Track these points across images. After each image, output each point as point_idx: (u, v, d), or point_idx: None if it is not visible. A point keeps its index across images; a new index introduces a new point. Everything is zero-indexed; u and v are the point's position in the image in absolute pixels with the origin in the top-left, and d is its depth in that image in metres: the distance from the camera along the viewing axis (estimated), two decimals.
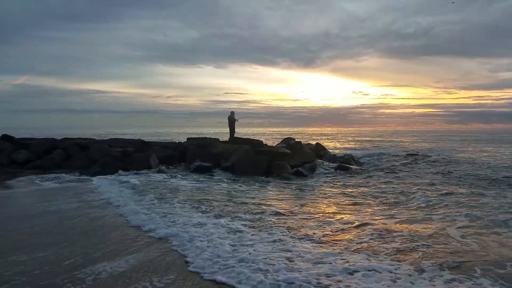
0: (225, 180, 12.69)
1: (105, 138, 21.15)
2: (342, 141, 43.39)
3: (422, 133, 76.36)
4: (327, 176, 14.00)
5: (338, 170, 15.19)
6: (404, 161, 19.29)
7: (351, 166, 16.25)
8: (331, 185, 12.09)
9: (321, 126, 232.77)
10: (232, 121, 19.24)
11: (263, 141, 21.16)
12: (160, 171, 14.21)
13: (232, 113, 19.41)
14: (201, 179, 12.75)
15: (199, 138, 19.32)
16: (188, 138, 19.10)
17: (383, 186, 11.79)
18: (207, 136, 21.24)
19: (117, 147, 16.60)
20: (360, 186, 11.74)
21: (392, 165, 17.55)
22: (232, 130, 19.23)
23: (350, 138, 51.87)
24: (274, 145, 19.27)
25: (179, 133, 63.29)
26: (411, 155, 22.03)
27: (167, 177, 13.04)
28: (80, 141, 18.16)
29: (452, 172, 14.99)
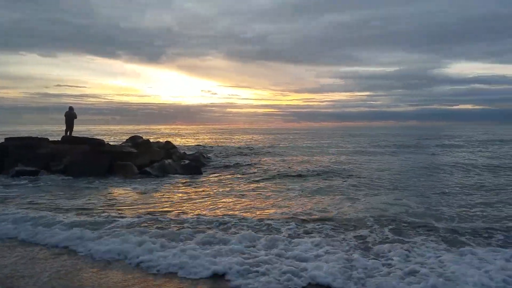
0: (51, 185, 11.01)
1: None
2: (194, 139, 43.71)
3: (265, 131, 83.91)
4: (175, 176, 13.70)
5: (187, 168, 15.04)
6: (246, 157, 20.60)
7: (200, 164, 16.33)
8: (177, 185, 11.85)
9: (172, 124, 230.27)
10: (70, 117, 16.90)
11: (106, 140, 19.34)
12: None
13: (71, 108, 17.05)
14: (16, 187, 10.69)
15: (22, 138, 16.13)
16: (6, 138, 15.73)
17: (228, 182, 12.21)
18: (35, 135, 17.97)
19: None
20: (206, 184, 11.89)
21: (237, 163, 18.45)
22: (70, 128, 16.91)
23: (202, 136, 52.74)
24: (119, 144, 17.77)
25: None
26: (254, 153, 23.73)
27: None
28: None
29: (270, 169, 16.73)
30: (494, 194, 10.06)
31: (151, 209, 8.05)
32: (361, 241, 5.98)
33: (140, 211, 7.89)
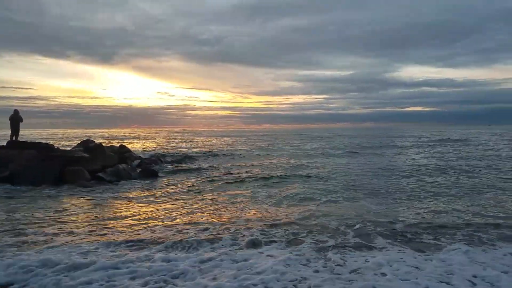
0: None
1: None
2: (151, 142, 42.38)
3: (225, 133, 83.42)
4: (131, 181, 13.13)
5: (143, 173, 14.49)
6: (205, 161, 20.27)
7: (156, 169, 15.81)
8: (132, 191, 11.34)
9: (128, 127, 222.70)
10: (16, 121, 15.74)
11: (55, 145, 18.23)
12: None
13: (16, 112, 15.87)
14: None
15: None
16: None
17: (186, 187, 11.88)
18: None
19: None
20: (161, 189, 11.50)
21: (196, 166, 18.09)
22: (16, 132, 15.76)
23: (159, 139, 51.30)
24: (69, 149, 16.75)
25: None
26: (214, 155, 23.42)
27: None
28: None
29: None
30: (445, 192, 10.60)
31: (101, 222, 7.53)
32: (320, 245, 5.98)
33: (85, 225, 7.16)
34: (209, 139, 49.42)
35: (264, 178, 13.50)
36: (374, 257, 5.37)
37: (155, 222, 7.31)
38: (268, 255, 5.39)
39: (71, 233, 6.47)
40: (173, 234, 6.45)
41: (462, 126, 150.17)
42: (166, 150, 26.54)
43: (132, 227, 6.93)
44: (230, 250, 5.57)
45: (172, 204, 9.22)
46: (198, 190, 11.17)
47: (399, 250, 5.79)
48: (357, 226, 7.00)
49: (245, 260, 5.17)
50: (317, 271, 4.85)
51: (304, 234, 6.51)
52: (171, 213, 8.24)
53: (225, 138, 52.22)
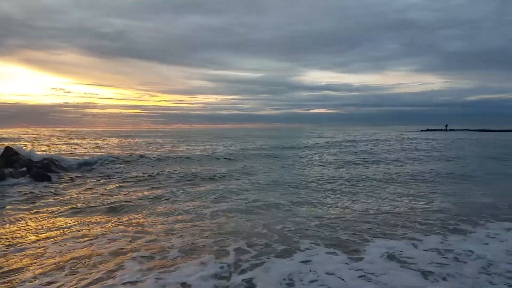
0: None
1: None
2: (44, 144, 37.69)
3: (131, 133, 78.74)
4: (18, 189, 11.33)
5: (33, 177, 12.66)
6: (107, 164, 18.72)
7: (50, 173, 13.99)
8: (15, 199, 9.78)
9: (16, 127, 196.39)
10: None
11: None
12: None
13: None
14: None
15: None
16: None
17: (83, 193, 10.70)
18: None
19: None
20: (53, 196, 10.16)
21: (98, 170, 16.56)
22: None
23: (53, 140, 45.97)
24: None
25: None
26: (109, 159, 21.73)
27: None
28: None
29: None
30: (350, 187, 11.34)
31: None
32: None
33: None
34: (114, 139, 46.01)
35: (176, 180, 12.87)
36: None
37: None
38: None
39: None
40: None
41: (360, 127, 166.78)
42: (62, 153, 23.74)
43: None
44: None
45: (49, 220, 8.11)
46: (107, 194, 10.09)
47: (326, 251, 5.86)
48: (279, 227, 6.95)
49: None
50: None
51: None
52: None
53: (131, 138, 49.16)
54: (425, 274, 4.79)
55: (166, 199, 9.67)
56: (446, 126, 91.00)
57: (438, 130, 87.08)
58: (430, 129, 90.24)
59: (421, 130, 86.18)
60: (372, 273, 4.77)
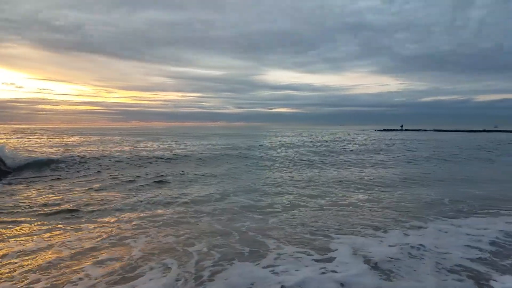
0: None
1: None
2: None
3: (87, 130, 75.36)
4: None
5: None
6: (61, 164, 17.79)
7: None
8: None
9: None
10: None
11: None
12: None
13: None
14: None
15: None
16: None
17: (33, 196, 10.07)
18: None
19: None
20: None
21: (50, 170, 15.70)
22: None
23: (1, 137, 42.94)
24: None
25: None
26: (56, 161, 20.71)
27: None
28: None
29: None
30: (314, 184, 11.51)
31: None
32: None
33: None
34: (68, 138, 43.82)
35: (140, 183, 12.43)
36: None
37: None
38: None
39: None
40: None
41: (321, 126, 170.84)
42: (10, 151, 22.16)
43: None
44: None
45: None
46: (60, 197, 9.50)
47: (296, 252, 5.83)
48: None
49: None
50: None
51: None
52: None
53: (87, 136, 47.04)
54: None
55: (121, 202, 9.29)
56: (402, 126, 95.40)
57: (394, 130, 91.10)
58: (386, 129, 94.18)
59: (377, 130, 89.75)
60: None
